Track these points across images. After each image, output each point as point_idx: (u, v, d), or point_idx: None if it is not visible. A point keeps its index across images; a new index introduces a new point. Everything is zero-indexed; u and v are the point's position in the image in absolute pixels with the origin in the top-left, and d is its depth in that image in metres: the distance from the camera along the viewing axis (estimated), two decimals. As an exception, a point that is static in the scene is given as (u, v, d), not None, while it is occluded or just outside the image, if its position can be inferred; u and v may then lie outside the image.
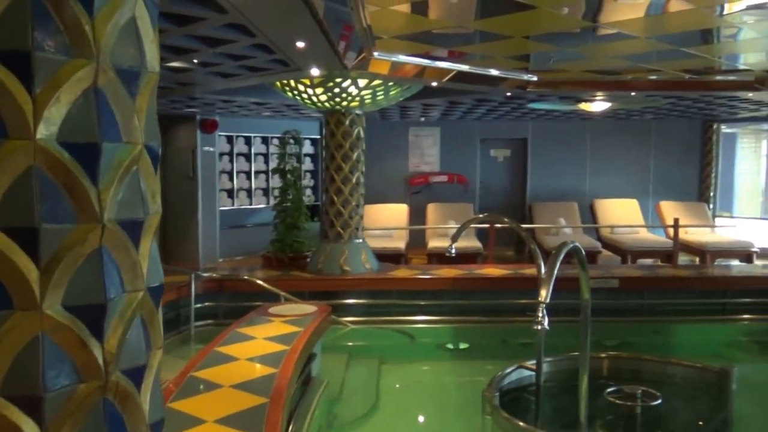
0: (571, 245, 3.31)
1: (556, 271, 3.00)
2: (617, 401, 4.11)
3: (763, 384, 5.95)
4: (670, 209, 12.60)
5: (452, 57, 6.76)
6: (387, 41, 5.73)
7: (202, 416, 3.03)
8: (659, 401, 4.06)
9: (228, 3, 3.91)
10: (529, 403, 4.58)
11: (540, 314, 2.89)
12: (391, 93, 7.44)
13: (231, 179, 12.57)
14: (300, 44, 5.22)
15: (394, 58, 6.42)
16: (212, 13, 4.21)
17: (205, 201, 11.76)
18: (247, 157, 12.82)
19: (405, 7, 4.78)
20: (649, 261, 11.30)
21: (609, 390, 4.22)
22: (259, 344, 4.31)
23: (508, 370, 4.61)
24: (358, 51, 5.85)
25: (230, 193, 12.61)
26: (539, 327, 2.87)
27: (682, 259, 11.69)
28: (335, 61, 5.89)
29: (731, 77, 8.04)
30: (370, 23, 4.92)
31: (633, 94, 8.69)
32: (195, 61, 6.09)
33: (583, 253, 3.47)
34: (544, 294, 2.91)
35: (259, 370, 3.78)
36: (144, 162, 1.23)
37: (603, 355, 5.24)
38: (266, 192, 13.10)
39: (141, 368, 1.21)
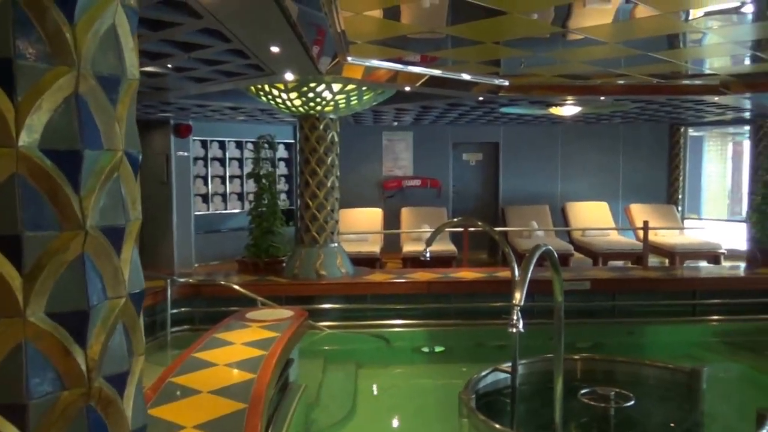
0: (544, 248, 3.34)
1: (529, 274, 3.02)
2: (591, 402, 4.15)
3: (732, 384, 6.04)
4: (639, 212, 12.78)
5: (425, 62, 6.79)
6: (360, 46, 5.74)
7: (181, 422, 3.02)
8: (632, 402, 4.10)
9: (203, 8, 3.91)
10: (504, 405, 4.61)
11: (515, 317, 2.89)
12: (365, 97, 7.45)
13: (206, 184, 12.51)
14: (274, 49, 5.23)
15: (367, 63, 6.44)
16: (188, 18, 4.21)
17: (179, 206, 11.70)
18: (222, 161, 12.75)
19: (378, 13, 4.80)
20: (619, 263, 11.40)
21: (583, 391, 4.26)
22: (236, 349, 4.29)
23: (484, 373, 4.63)
24: (332, 56, 5.87)
25: (205, 197, 12.54)
26: (514, 329, 2.88)
27: (652, 260, 11.83)
28: (309, 66, 5.90)
29: (697, 81, 8.16)
30: (344, 28, 4.93)
31: (602, 98, 8.78)
32: (169, 65, 6.06)
33: (556, 255, 3.50)
34: (519, 296, 2.92)
35: (238, 375, 3.76)
36: (124, 169, 1.23)
37: (577, 357, 5.29)
38: (241, 197, 13.04)
39: (123, 374, 1.21)
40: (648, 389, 4.79)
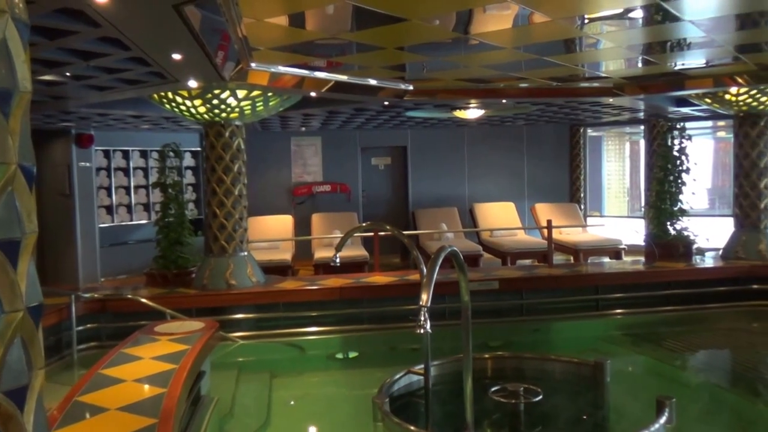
0: (449, 249, 3.39)
1: (435, 275, 3.06)
2: (501, 399, 4.22)
3: (635, 374, 6.27)
4: (544, 211, 13.11)
5: (330, 67, 6.82)
6: (264, 52, 5.73)
7: (89, 441, 2.95)
8: (540, 397, 4.19)
9: (101, 17, 3.83)
10: (419, 406, 4.66)
11: (422, 318, 2.92)
12: (271, 103, 7.42)
13: (109, 195, 12.18)
14: (176, 56, 5.17)
15: (272, 69, 6.42)
16: (85, 26, 4.12)
17: (82, 218, 11.35)
18: (126, 171, 12.44)
19: (279, 19, 4.80)
20: (527, 262, 11.66)
21: (493, 389, 4.33)
22: (145, 364, 4.21)
23: (397, 376, 4.67)
24: (236, 62, 5.83)
25: (109, 209, 12.21)
26: (422, 330, 2.91)
27: (558, 258, 12.15)
28: (213, 73, 5.85)
29: (594, 84, 8.49)
30: (246, 34, 4.91)
31: (504, 101, 9.02)
32: (68, 74, 5.90)
33: (461, 256, 3.55)
34: (425, 298, 2.96)
35: (147, 390, 3.69)
36: (19, 182, 1.21)
37: (487, 355, 5.41)
38: (147, 207, 12.75)
39: (23, 389, 1.19)
40: (555, 383, 4.93)
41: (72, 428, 3.12)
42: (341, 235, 8.66)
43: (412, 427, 3.98)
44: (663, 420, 3.79)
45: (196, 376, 4.51)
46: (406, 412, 4.43)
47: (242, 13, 4.32)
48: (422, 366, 4.44)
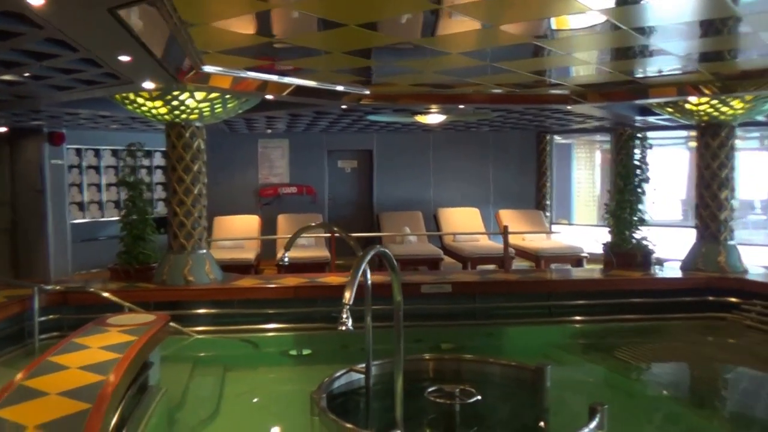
0: (378, 249, 3.54)
1: (359, 275, 3.19)
2: (437, 399, 4.32)
3: (578, 381, 6.23)
4: (507, 217, 13.32)
5: (285, 71, 6.92)
6: (213, 55, 5.81)
7: (23, 422, 3.08)
8: (477, 398, 4.29)
9: (41, 19, 3.95)
10: (358, 404, 4.78)
11: (344, 315, 3.05)
12: (229, 105, 7.59)
13: (81, 192, 12.41)
14: (123, 58, 5.25)
15: (231, 73, 6.54)
16: (28, 27, 4.24)
17: (54, 214, 11.62)
18: (97, 169, 12.69)
19: (224, 23, 4.82)
20: (490, 267, 11.76)
21: (430, 389, 4.43)
22: (92, 353, 4.31)
23: (338, 374, 4.79)
24: (189, 66, 5.95)
25: (81, 206, 12.45)
26: (343, 328, 3.03)
27: (521, 264, 12.32)
28: (164, 75, 5.96)
29: (558, 91, 8.49)
30: (191, 37, 4.99)
31: (461, 106, 9.05)
32: (26, 74, 6.04)
33: (392, 257, 3.66)
34: (348, 296, 3.07)
35: (89, 377, 3.79)
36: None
37: (427, 356, 5.50)
38: (118, 204, 12.94)
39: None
40: (493, 386, 4.97)
41: (10, 409, 3.23)
42: (306, 237, 8.72)
43: (347, 424, 4.06)
44: (593, 425, 3.80)
45: (142, 365, 4.65)
46: (347, 409, 4.55)
47: (183, 17, 4.38)
48: (364, 365, 4.52)
